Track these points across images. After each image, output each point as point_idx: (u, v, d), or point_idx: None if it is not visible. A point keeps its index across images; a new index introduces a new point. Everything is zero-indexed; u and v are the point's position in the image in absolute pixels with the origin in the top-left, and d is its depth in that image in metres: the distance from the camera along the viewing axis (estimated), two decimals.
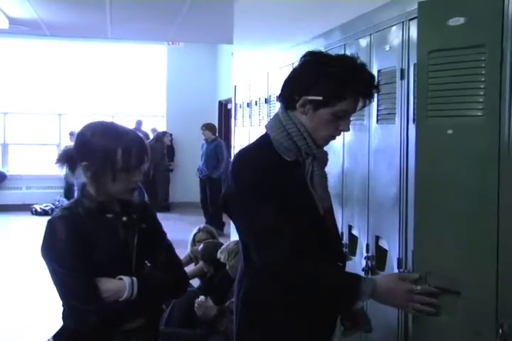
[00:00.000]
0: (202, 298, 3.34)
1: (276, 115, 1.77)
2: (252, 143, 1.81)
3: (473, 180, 1.50)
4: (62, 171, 1.91)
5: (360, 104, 1.70)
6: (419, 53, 1.63)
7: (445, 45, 1.55)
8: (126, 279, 1.79)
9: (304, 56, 1.75)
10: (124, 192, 1.82)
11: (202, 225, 4.72)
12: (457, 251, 1.55)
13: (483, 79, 1.47)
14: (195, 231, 4.60)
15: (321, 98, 1.65)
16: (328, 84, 1.65)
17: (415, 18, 2.09)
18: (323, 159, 1.80)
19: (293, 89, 1.73)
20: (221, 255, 3.70)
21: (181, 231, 5.40)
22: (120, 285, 1.78)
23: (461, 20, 1.51)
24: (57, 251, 1.74)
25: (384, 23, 2.32)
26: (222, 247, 3.82)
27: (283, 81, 1.76)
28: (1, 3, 6.25)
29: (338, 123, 1.69)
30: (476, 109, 1.49)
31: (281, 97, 1.78)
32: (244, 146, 1.87)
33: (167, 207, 10.15)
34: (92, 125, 1.85)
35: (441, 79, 1.56)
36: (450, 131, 1.53)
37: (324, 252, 1.71)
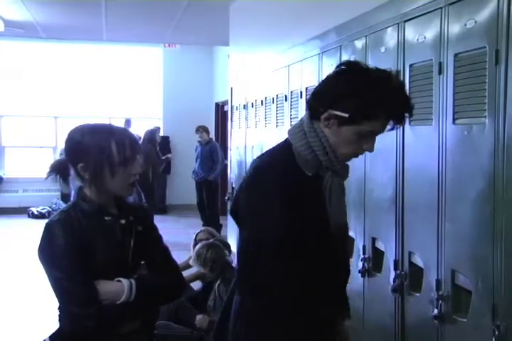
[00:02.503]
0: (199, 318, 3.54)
1: (301, 122, 1.64)
2: (273, 152, 1.69)
3: None
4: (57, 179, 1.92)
5: (388, 127, 1.57)
6: None
7: None
8: (124, 281, 1.79)
9: (340, 65, 1.61)
10: (124, 187, 1.83)
11: (204, 227, 4.75)
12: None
13: None
14: (197, 231, 4.63)
15: (347, 115, 1.52)
16: (358, 101, 1.51)
17: (410, 19, 2.10)
18: (344, 173, 1.69)
19: (320, 100, 1.59)
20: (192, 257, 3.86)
21: (178, 233, 5.39)
22: (119, 288, 1.78)
23: None
24: (56, 255, 1.74)
25: (379, 25, 2.32)
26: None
27: (313, 90, 1.63)
28: None
29: (362, 142, 1.57)
30: None
31: (308, 105, 1.65)
32: (264, 153, 1.75)
33: (164, 210, 10.13)
34: (78, 128, 1.86)
35: None
36: None
37: (327, 268, 1.63)
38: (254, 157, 4.51)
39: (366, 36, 2.45)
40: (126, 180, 1.82)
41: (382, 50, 2.30)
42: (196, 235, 4.54)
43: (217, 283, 3.74)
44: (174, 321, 3.68)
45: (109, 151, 1.78)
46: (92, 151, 1.78)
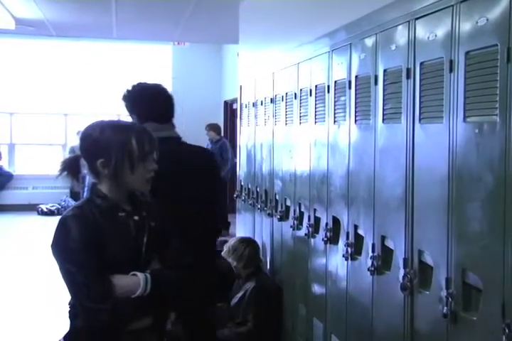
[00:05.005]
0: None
1: None
2: None
3: None
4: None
5: None
6: None
7: None
8: (140, 275, 1.82)
9: None
10: (142, 183, 1.87)
11: None
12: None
13: None
14: None
15: None
16: None
17: (421, 17, 2.10)
18: None
19: None
20: (224, 248, 3.83)
21: None
22: (135, 281, 1.81)
23: None
24: (71, 250, 1.76)
25: (390, 23, 2.32)
26: (227, 242, 3.94)
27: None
28: (7, 3, 6.27)
29: None
30: None
31: None
32: None
33: None
34: (95, 124, 1.89)
35: None
36: None
37: None
38: (263, 155, 4.52)
39: (376, 34, 2.44)
40: (144, 175, 1.86)
41: (393, 47, 2.30)
42: None
43: (251, 285, 3.71)
44: None
45: (129, 147, 1.82)
46: (113, 147, 1.81)
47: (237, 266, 3.81)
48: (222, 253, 3.92)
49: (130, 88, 2.72)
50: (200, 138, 9.47)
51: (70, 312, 1.87)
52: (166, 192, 2.20)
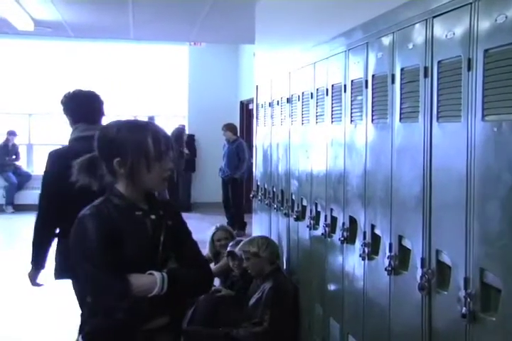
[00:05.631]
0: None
1: None
2: None
3: None
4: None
5: None
6: None
7: None
8: (157, 274, 1.82)
9: None
10: (158, 182, 1.87)
11: (218, 224, 4.75)
12: None
13: None
14: (213, 230, 4.63)
15: None
16: None
17: (439, 15, 2.08)
18: None
19: None
20: (251, 246, 3.82)
21: (202, 231, 5.40)
22: (152, 280, 1.81)
23: None
24: (88, 248, 1.76)
25: (407, 21, 2.30)
26: (250, 239, 3.96)
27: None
28: (26, 5, 6.33)
29: None
30: None
31: None
32: None
33: (188, 208, 10.19)
34: (111, 125, 1.89)
35: None
36: None
37: None
38: (279, 154, 4.52)
39: (393, 33, 2.43)
40: (161, 174, 1.86)
41: (410, 46, 2.28)
42: (213, 234, 4.54)
43: (268, 285, 3.71)
44: (210, 314, 3.72)
45: (145, 146, 1.82)
46: (129, 146, 1.81)
47: (264, 262, 3.83)
48: (251, 250, 3.92)
49: (66, 94, 3.25)
50: (216, 138, 9.51)
51: (88, 310, 1.88)
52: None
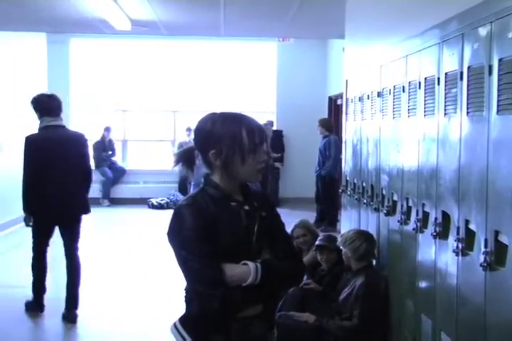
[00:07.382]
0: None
1: None
2: None
3: None
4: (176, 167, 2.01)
5: None
6: None
7: None
8: (251, 264, 1.85)
9: None
10: (252, 174, 1.90)
11: (297, 220, 4.74)
12: None
13: None
14: (292, 227, 4.63)
15: None
16: None
17: None
18: None
19: None
20: (340, 238, 3.89)
21: (290, 226, 5.45)
22: (246, 270, 1.85)
23: None
24: (185, 237, 1.83)
25: (507, 9, 2.23)
26: (343, 232, 4.06)
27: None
28: (124, 6, 6.57)
29: None
30: None
31: None
32: None
33: (277, 203, 10.25)
34: (207, 118, 1.95)
35: None
36: None
37: None
38: (369, 149, 4.48)
39: (492, 22, 2.36)
40: (255, 166, 1.89)
41: (510, 35, 2.21)
42: (293, 231, 4.54)
43: (360, 281, 3.71)
44: (299, 305, 3.77)
45: (240, 138, 1.85)
46: (224, 138, 1.86)
47: (350, 257, 3.82)
48: (338, 242, 3.94)
49: (35, 96, 4.58)
50: (304, 133, 9.53)
51: (185, 297, 1.95)
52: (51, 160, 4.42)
